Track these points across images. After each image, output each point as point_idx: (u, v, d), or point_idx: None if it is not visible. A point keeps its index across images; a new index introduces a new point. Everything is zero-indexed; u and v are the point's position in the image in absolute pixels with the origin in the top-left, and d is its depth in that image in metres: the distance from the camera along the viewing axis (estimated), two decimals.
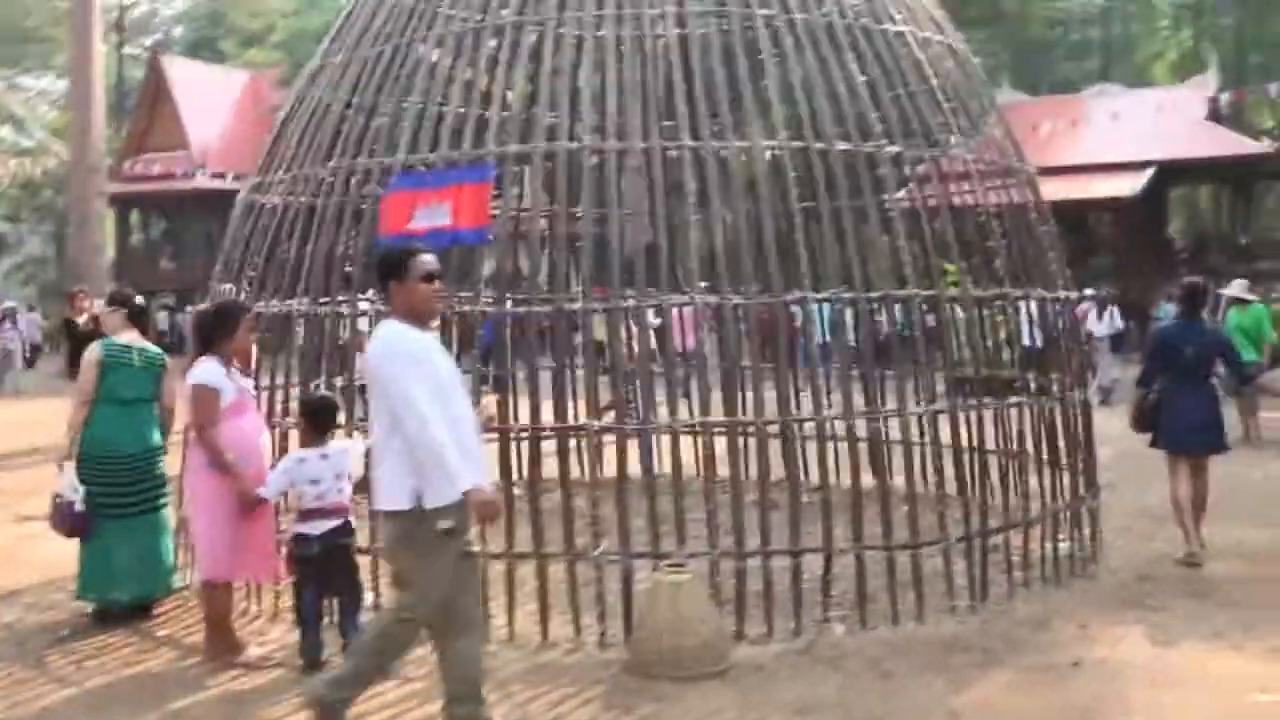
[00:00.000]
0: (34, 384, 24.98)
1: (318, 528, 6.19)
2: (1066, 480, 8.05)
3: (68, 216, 36.42)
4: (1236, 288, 13.98)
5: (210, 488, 6.37)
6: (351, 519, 6.33)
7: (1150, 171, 28.97)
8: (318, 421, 6.44)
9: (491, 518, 5.05)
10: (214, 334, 6.59)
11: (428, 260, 5.12)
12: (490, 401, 5.87)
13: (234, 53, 49.82)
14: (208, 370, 6.42)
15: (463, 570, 5.06)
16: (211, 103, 40.70)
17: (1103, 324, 20.44)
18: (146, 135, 40.43)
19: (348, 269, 7.75)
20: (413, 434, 4.80)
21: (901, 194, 7.73)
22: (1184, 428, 8.44)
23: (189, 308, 35.68)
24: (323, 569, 6.24)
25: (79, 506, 6.89)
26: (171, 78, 40.73)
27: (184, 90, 40.33)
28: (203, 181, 37.23)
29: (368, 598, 6.71)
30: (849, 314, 7.55)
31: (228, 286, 8.07)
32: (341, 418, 6.88)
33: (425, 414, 4.78)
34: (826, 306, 7.65)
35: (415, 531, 4.86)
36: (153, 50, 48.03)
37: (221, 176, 36.52)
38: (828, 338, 8.68)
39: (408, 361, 4.89)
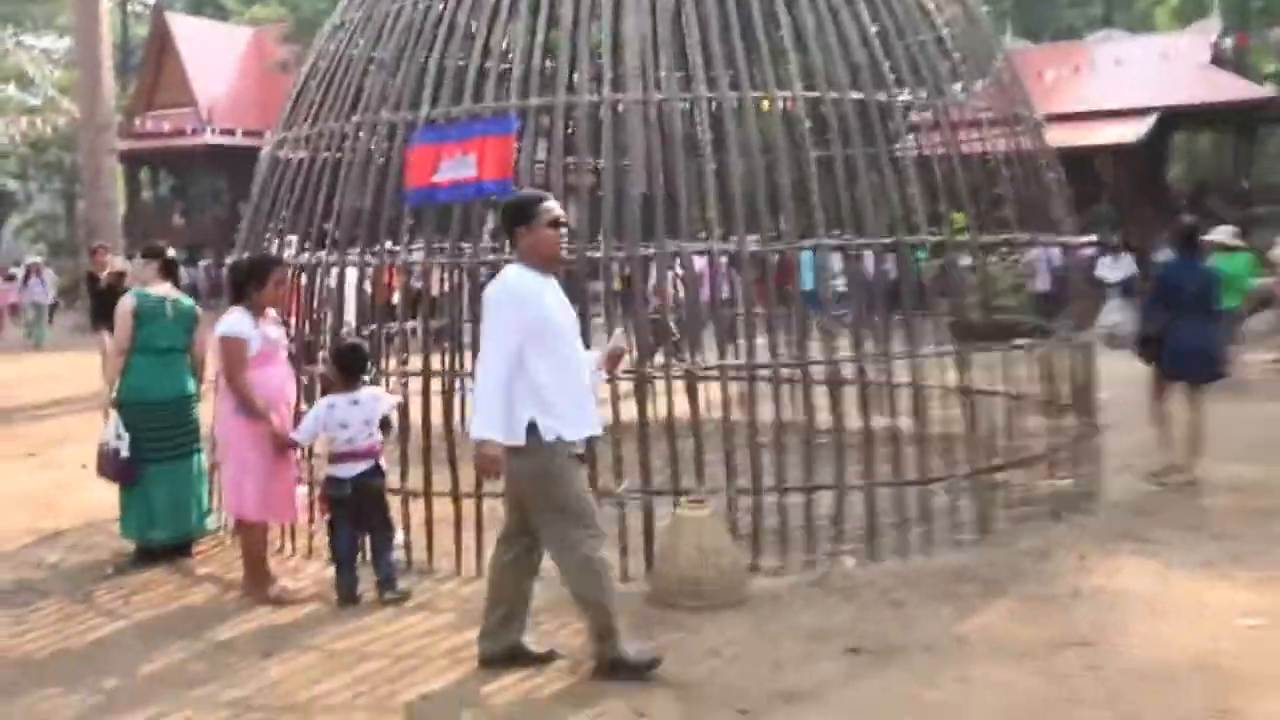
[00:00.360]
0: (53, 338, 25.13)
1: (349, 470, 6.36)
2: (1068, 420, 8.21)
3: (77, 174, 36.45)
4: (1223, 233, 14.07)
5: (239, 433, 6.52)
6: (382, 462, 6.50)
7: (1153, 118, 28.85)
8: (348, 368, 6.58)
9: (487, 473, 5.20)
10: (246, 285, 6.73)
11: (554, 206, 5.28)
12: (620, 337, 5.98)
13: (237, 9, 49.37)
14: (235, 321, 6.54)
15: None
16: (217, 59, 40.43)
17: (1116, 269, 20.63)
18: (153, 92, 40.22)
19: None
20: (478, 369, 5.07)
21: (911, 141, 7.82)
22: (1185, 355, 8.79)
23: (200, 262, 35.94)
24: (355, 509, 6.42)
25: (124, 453, 7.06)
26: (176, 34, 40.43)
27: (189, 47, 40.05)
28: (211, 137, 37.05)
29: (398, 536, 6.94)
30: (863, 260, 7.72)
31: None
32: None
33: (492, 359, 5.00)
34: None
35: (544, 459, 5.06)
36: (156, 7, 47.75)
37: (230, 132, 36.34)
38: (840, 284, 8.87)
39: (509, 304, 5.05)
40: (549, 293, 5.23)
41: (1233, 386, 13.03)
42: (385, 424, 6.65)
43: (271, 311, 6.92)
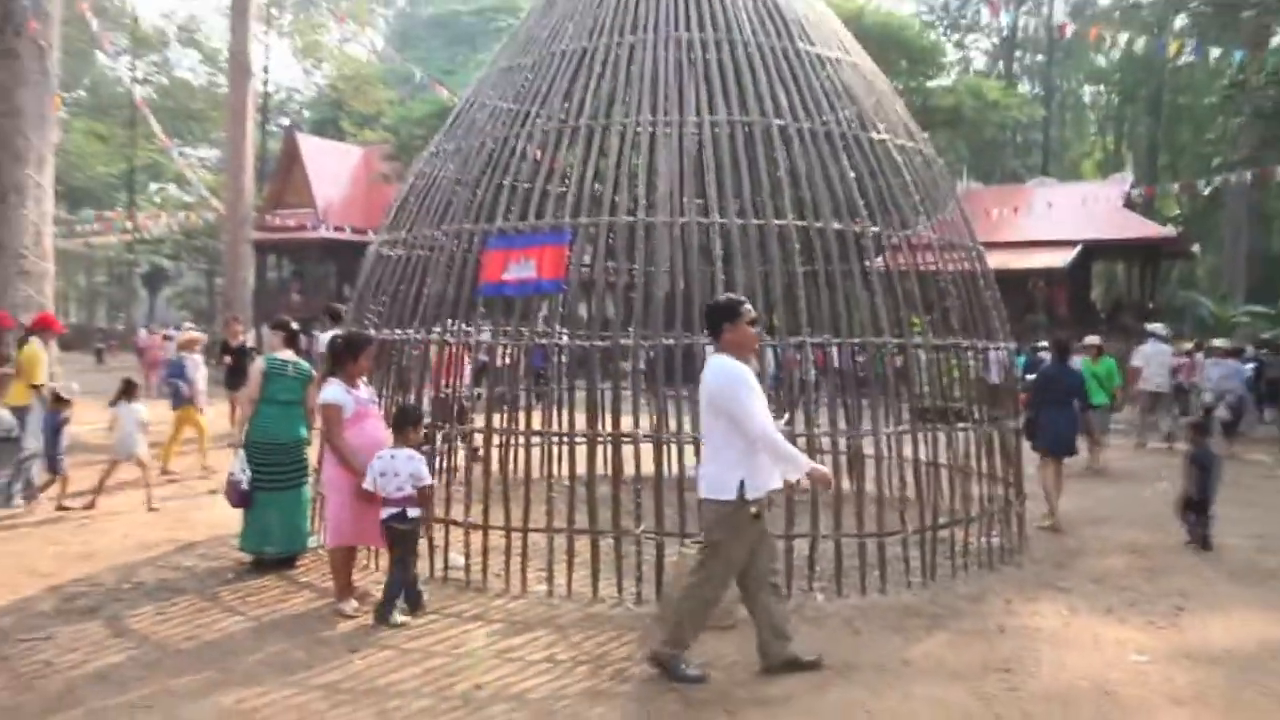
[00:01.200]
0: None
1: (385, 512, 6.25)
2: (1000, 489, 8.18)
3: (218, 257, 36.86)
4: (1093, 339, 14.00)
5: (338, 477, 6.49)
6: (409, 510, 6.24)
7: (1078, 248, 29.01)
8: (395, 426, 6.52)
9: (829, 485, 5.46)
10: (342, 358, 6.71)
11: (751, 309, 5.40)
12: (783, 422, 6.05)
13: (351, 131, 50.05)
14: (332, 391, 6.55)
15: (762, 541, 5.36)
16: (333, 171, 40.80)
17: None
18: (282, 195, 40.62)
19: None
20: (758, 436, 5.06)
21: (879, 262, 7.90)
22: (1055, 437, 9.61)
23: (314, 332, 36.19)
24: (389, 541, 6.33)
25: (244, 486, 7.18)
26: (302, 150, 40.89)
27: (311, 160, 40.42)
28: (325, 233, 37.39)
29: (457, 560, 7.04)
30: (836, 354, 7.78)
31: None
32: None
33: (766, 422, 5.08)
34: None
35: (735, 515, 5.12)
36: (288, 128, 48.59)
37: (340, 230, 36.72)
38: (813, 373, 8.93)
39: (744, 384, 5.14)
40: (751, 374, 5.31)
41: (1127, 470, 13.08)
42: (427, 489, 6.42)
43: (364, 377, 6.90)
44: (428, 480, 6.37)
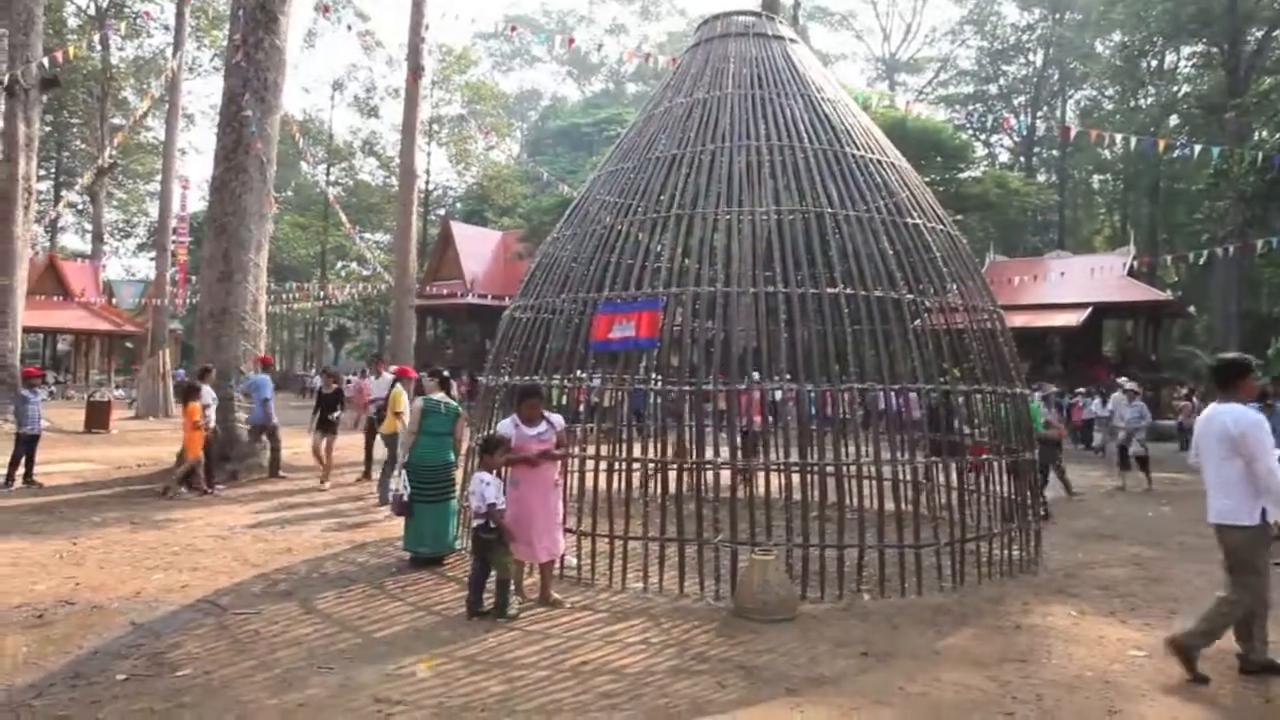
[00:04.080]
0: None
1: (475, 523, 6.22)
2: (1019, 509, 7.99)
3: (388, 318, 37.92)
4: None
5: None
6: (490, 523, 6.11)
7: (1089, 310, 28.13)
8: (482, 451, 6.37)
9: None
10: (517, 403, 6.59)
11: (1251, 366, 5.32)
12: None
13: (493, 219, 51.15)
14: (501, 424, 6.65)
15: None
16: (478, 250, 41.75)
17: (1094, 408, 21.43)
18: (438, 269, 41.69)
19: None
20: (1263, 474, 4.94)
21: (917, 323, 7.81)
22: None
23: (460, 376, 36.97)
24: (476, 546, 6.26)
25: (405, 498, 7.38)
26: (455, 234, 42.07)
27: (462, 242, 41.43)
28: (471, 299, 38.32)
29: (570, 560, 7.05)
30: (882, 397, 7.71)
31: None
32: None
33: (1273, 465, 4.93)
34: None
35: (1258, 535, 5.02)
36: (444, 217, 50.02)
37: (483, 297, 37.58)
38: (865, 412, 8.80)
39: (1264, 430, 5.02)
40: (1265, 421, 5.13)
41: (1136, 495, 12.54)
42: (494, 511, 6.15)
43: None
44: (489, 502, 6.12)
